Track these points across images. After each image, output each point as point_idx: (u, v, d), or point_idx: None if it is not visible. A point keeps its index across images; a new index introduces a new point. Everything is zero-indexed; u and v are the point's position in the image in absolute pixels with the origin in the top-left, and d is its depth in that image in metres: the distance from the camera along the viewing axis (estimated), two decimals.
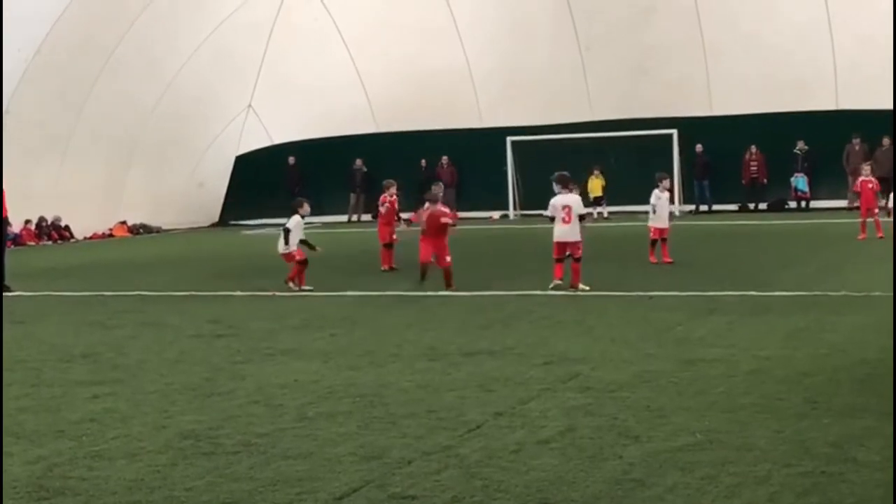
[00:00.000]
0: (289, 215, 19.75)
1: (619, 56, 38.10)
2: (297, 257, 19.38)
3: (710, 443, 8.06)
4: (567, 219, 17.79)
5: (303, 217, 20.03)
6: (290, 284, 19.12)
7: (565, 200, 17.99)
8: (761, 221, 34.14)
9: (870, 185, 26.17)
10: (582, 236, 17.97)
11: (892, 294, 14.89)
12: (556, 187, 18.36)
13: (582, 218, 18.07)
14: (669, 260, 21.41)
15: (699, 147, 38.65)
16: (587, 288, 17.44)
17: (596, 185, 38.10)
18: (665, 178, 22.64)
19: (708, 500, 6.75)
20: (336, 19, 39.69)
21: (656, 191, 22.21)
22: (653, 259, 21.56)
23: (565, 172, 18.84)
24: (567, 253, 17.79)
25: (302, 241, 19.53)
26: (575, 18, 38.15)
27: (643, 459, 7.68)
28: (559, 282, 17.71)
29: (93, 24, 33.46)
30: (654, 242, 21.83)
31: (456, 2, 38.72)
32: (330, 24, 39.74)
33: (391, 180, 23.79)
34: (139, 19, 34.89)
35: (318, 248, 19.92)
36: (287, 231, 19.44)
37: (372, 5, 39.14)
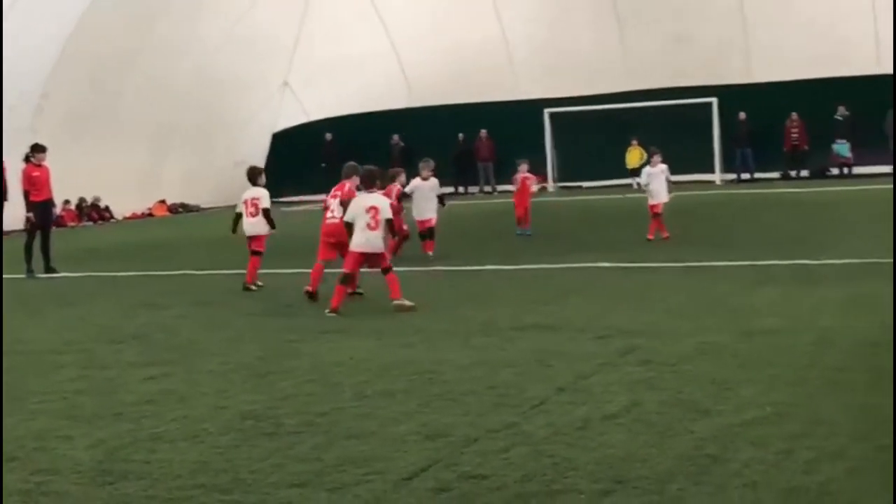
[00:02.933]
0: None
1: (657, 25, 37.77)
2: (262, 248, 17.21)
3: (779, 416, 7.90)
4: (373, 224, 14.19)
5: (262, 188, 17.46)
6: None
7: (371, 201, 14.42)
8: (804, 189, 33.79)
9: None
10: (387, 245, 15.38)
11: None
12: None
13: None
14: (667, 235, 20.91)
15: (742, 115, 38.29)
16: (410, 303, 14.07)
17: (634, 157, 37.86)
18: (656, 154, 22.10)
19: (786, 475, 6.59)
20: None
21: (647, 168, 21.96)
22: (650, 235, 21.05)
23: (373, 167, 15.28)
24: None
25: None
26: None
27: (714, 434, 7.53)
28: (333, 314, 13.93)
29: (129, 3, 33.42)
30: (656, 216, 21.31)
31: None
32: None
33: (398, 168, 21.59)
34: (171, 2, 34.79)
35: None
36: (268, 210, 17.32)
37: None
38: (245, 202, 17.42)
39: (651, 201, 21.35)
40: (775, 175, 38.66)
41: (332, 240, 15.46)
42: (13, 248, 22.22)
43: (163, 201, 39.28)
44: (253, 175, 17.67)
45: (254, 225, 17.33)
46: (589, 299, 14.10)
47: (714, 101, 37.85)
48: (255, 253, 17.23)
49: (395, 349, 11.35)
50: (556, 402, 8.72)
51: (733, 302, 13.31)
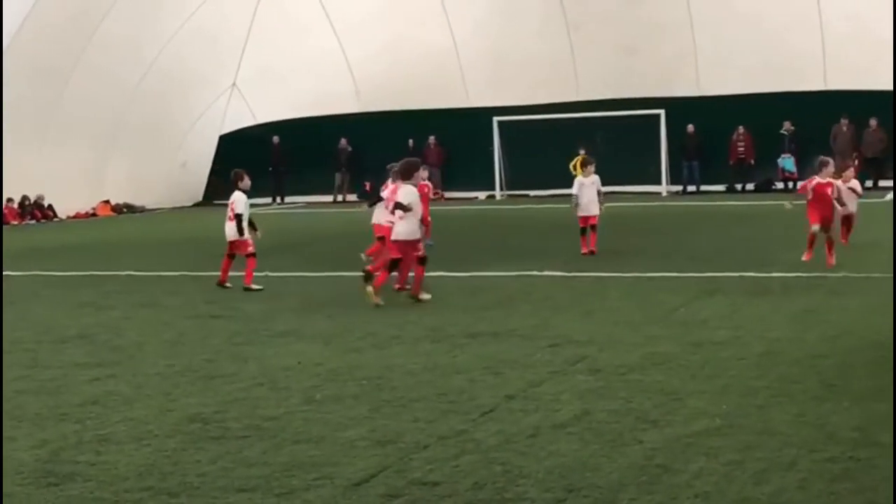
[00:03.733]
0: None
1: (607, 36, 37.91)
2: (250, 248, 16.92)
3: (730, 427, 7.93)
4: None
5: (245, 192, 17.16)
6: (253, 286, 16.54)
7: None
8: (750, 202, 34.06)
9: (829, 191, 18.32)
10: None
11: (892, 276, 14.81)
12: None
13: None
14: (595, 250, 20.07)
15: (691, 128, 38.57)
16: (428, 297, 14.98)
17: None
18: (590, 164, 20.91)
19: (737, 486, 6.61)
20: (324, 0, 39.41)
21: (579, 178, 20.77)
22: (584, 249, 20.13)
23: (412, 159, 16.34)
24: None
25: (249, 224, 17.05)
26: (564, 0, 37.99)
27: (664, 444, 7.54)
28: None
29: (72, 6, 33.05)
30: (583, 231, 20.40)
31: None
32: (316, 2, 39.39)
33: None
34: (118, 2, 34.46)
35: (258, 231, 17.37)
36: (240, 216, 16.86)
37: None
38: (229, 206, 17.22)
39: (580, 213, 20.44)
40: (721, 188, 38.95)
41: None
42: None
43: (107, 201, 38.88)
44: (234, 179, 17.30)
45: (229, 229, 17.15)
46: (537, 308, 14.09)
47: (662, 113, 38.07)
48: (230, 256, 17.10)
49: (343, 354, 11.29)
50: (506, 409, 8.70)
51: (681, 313, 13.36)
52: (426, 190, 20.86)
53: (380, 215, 17.56)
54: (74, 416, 8.85)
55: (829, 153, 36.69)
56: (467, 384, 9.63)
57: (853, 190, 20.22)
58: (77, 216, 37.46)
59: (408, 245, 15.06)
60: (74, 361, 11.27)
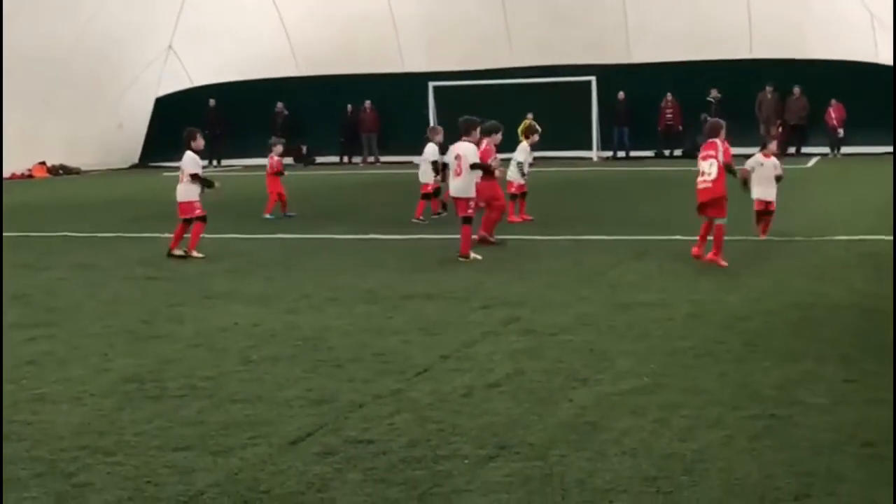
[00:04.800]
0: (209, 158, 16.47)
1: (541, 2, 37.85)
2: (198, 212, 15.87)
3: (657, 386, 8.01)
4: (458, 170, 15.18)
5: (197, 152, 16.16)
6: (177, 252, 15.72)
7: (457, 149, 15.33)
8: (677, 168, 34.25)
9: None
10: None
11: (822, 239, 15.02)
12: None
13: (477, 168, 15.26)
14: (529, 217, 19.60)
15: (621, 95, 38.70)
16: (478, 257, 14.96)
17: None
18: (534, 132, 20.09)
19: (663, 443, 6.69)
20: None
21: (524, 144, 20.10)
22: (513, 217, 19.34)
23: (470, 118, 16.00)
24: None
25: (202, 180, 15.98)
26: None
27: (594, 403, 7.61)
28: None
29: None
30: (523, 196, 19.90)
31: None
32: None
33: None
34: None
35: (217, 183, 16.54)
36: (196, 176, 15.85)
37: None
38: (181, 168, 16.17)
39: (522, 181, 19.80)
40: (650, 153, 39.17)
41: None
42: None
43: (43, 163, 38.31)
44: (186, 138, 16.08)
45: (179, 191, 16.00)
46: (470, 270, 14.11)
47: (593, 79, 38.15)
48: (185, 221, 15.84)
49: (280, 315, 11.24)
50: (440, 369, 8.73)
51: (612, 275, 13.45)
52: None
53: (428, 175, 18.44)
54: (10, 376, 8.73)
55: (755, 120, 37.33)
56: (402, 345, 9.64)
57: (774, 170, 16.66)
58: (13, 177, 36.85)
59: (457, 201, 15.19)
60: (10, 322, 11.10)
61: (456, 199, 15.29)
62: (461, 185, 15.12)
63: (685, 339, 9.65)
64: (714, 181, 13.61)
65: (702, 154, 13.96)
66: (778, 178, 16.41)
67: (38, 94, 36.32)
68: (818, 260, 14.18)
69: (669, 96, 38.55)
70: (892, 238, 14.97)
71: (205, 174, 16.31)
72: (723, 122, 14.41)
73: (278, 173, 21.74)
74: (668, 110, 38.76)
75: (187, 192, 15.90)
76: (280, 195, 21.50)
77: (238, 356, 9.34)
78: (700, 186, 13.80)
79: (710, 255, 13.71)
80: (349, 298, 12.11)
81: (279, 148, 22.29)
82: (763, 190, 16.32)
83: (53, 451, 6.80)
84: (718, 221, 13.74)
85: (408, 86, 39.74)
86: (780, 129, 37.72)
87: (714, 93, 38.04)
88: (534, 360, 8.94)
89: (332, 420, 7.33)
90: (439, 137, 20.32)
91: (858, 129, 36.14)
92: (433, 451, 6.64)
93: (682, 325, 10.25)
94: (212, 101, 41.60)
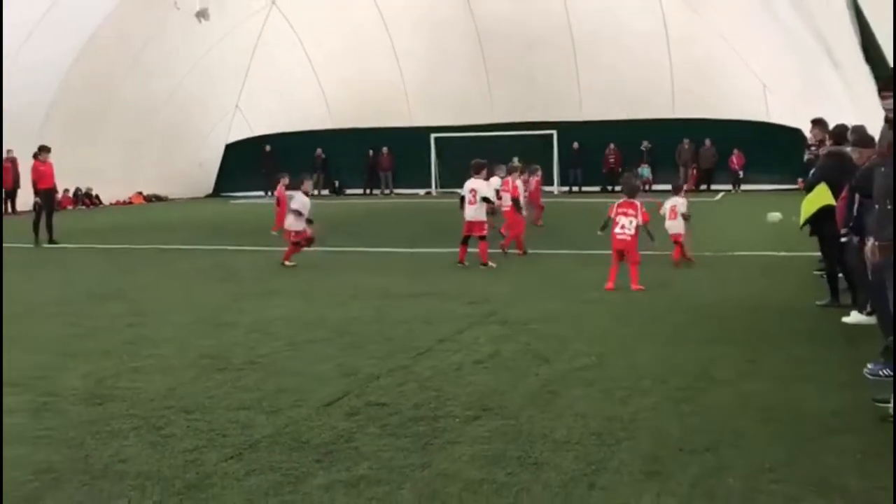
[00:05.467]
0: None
1: (514, 73, 37.82)
2: (307, 234, 15.52)
3: (602, 365, 7.98)
4: (472, 201, 14.97)
5: (307, 194, 15.74)
6: (288, 263, 15.28)
7: (471, 185, 15.15)
8: (616, 199, 34.13)
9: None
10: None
11: (728, 254, 14.94)
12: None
13: (485, 200, 15.00)
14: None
15: (576, 144, 38.66)
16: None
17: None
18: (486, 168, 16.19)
19: (607, 407, 6.66)
20: (303, 40, 38.87)
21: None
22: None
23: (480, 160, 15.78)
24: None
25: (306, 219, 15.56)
26: (483, 46, 37.84)
27: (555, 377, 7.57)
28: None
29: (122, 34, 32.36)
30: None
31: (395, 30, 38.12)
32: (298, 43, 38.93)
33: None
34: (160, 33, 33.81)
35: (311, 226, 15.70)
36: (299, 213, 15.40)
37: (331, 33, 38.37)
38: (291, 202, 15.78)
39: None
40: (597, 188, 39.10)
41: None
42: (25, 225, 21.42)
43: (140, 192, 38.20)
44: (297, 183, 15.63)
45: (292, 220, 15.60)
46: (461, 275, 14.04)
47: (554, 132, 38.12)
48: (295, 244, 15.42)
49: (316, 308, 11.18)
50: (438, 350, 8.68)
51: (566, 279, 13.40)
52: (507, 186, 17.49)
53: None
54: (114, 354, 8.70)
55: (675, 165, 37.34)
56: (408, 331, 9.60)
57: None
58: (117, 203, 36.75)
59: (472, 224, 14.86)
60: (113, 313, 11.07)
61: (471, 222, 15.02)
62: (475, 212, 14.93)
63: (626, 326, 9.62)
64: (632, 236, 12.56)
65: (621, 210, 12.83)
66: (685, 217, 15.02)
67: (137, 138, 36.23)
68: (724, 270, 14.14)
69: (612, 145, 38.47)
70: (780, 254, 14.92)
71: (308, 215, 15.58)
72: (640, 185, 13.98)
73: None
74: (611, 156, 38.65)
75: (295, 223, 15.52)
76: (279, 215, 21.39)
77: (285, 339, 9.30)
78: (619, 237, 12.63)
79: (633, 287, 12.31)
80: (367, 296, 12.06)
81: (286, 180, 21.91)
82: (673, 225, 15.25)
83: (146, 410, 6.77)
84: (634, 262, 12.55)
85: (415, 136, 39.67)
86: (695, 172, 37.81)
87: (646, 143, 38.04)
88: (509, 343, 8.90)
89: (356, 388, 7.29)
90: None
91: (754, 171, 36.19)
92: (433, 412, 6.61)
93: (622, 317, 10.21)
94: (267, 147, 41.45)
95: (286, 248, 15.55)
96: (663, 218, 15.17)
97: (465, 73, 38.41)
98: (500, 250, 16.42)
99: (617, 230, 12.71)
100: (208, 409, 6.75)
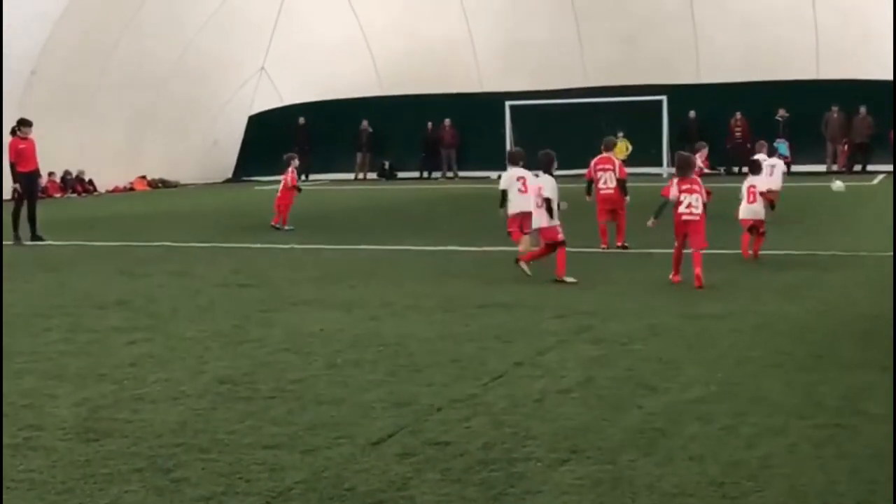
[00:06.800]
0: (299, 172, 16.24)
1: (612, 26, 37.71)
2: (559, 237, 14.05)
3: (724, 394, 7.94)
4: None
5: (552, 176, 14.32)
6: (524, 266, 14.29)
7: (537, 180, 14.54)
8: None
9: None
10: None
11: (879, 253, 14.76)
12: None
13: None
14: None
15: (692, 114, 38.38)
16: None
17: (620, 150, 37.68)
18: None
19: (729, 450, 6.62)
20: None
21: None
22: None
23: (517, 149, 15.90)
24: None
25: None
26: None
27: (662, 410, 7.55)
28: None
29: None
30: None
31: None
32: None
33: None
34: None
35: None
36: (549, 201, 13.95)
37: None
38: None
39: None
40: (719, 170, 38.72)
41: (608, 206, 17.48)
42: (2, 218, 21.93)
43: (143, 177, 38.92)
44: (545, 160, 14.30)
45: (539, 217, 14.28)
46: (544, 281, 13.99)
47: (664, 98, 37.90)
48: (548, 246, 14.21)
49: (363, 321, 11.30)
50: (514, 375, 8.72)
51: (681, 286, 13.31)
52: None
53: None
54: (113, 377, 8.89)
55: (821, 139, 36.90)
56: (478, 351, 9.64)
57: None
58: (115, 190, 37.53)
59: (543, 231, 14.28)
60: (112, 326, 11.31)
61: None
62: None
63: (753, 348, 9.55)
64: (701, 215, 13.56)
65: (685, 187, 13.55)
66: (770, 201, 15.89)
67: (139, 111, 36.92)
68: (880, 274, 13.92)
69: (739, 114, 38.14)
70: None
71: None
72: (695, 158, 14.96)
73: (294, 188, 22.39)
74: (738, 128, 38.33)
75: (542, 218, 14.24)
76: (283, 207, 22.04)
77: (324, 360, 9.41)
78: (685, 217, 13.47)
79: (696, 283, 13.03)
80: (428, 307, 12.14)
81: (296, 163, 22.78)
82: (752, 210, 15.71)
83: (153, 447, 6.90)
84: (700, 247, 13.47)
85: (485, 105, 39.76)
86: (847, 148, 37.25)
87: (782, 111, 37.65)
88: (604, 368, 8.88)
89: (411, 422, 7.35)
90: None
91: None
92: (508, 453, 6.64)
93: (749, 335, 10.12)
94: (301, 119, 41.98)
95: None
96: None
97: (549, 25, 38.42)
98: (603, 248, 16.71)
99: (682, 209, 13.54)
100: (228, 448, 6.86)
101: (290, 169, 22.46)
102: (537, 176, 14.51)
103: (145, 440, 7.08)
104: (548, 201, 13.98)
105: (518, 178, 15.39)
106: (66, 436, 7.21)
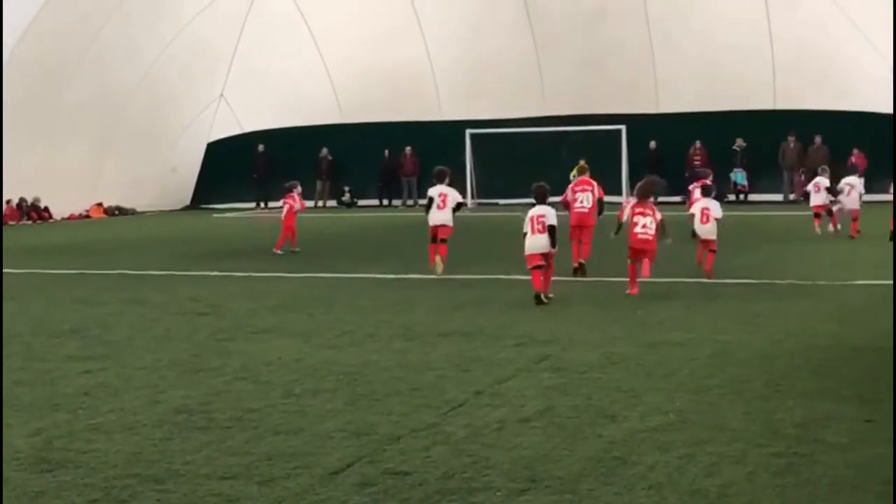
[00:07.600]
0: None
1: (572, 55, 37.94)
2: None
3: (683, 423, 7.97)
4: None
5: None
6: (546, 297, 14.52)
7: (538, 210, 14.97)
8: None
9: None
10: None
11: (837, 283, 14.90)
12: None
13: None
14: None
15: (652, 143, 38.64)
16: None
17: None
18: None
19: (688, 478, 6.65)
20: (305, 14, 39.26)
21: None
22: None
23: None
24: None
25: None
26: (531, 18, 38.00)
27: (622, 438, 7.57)
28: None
29: (76, 11, 32.87)
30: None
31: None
32: (299, 18, 39.32)
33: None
34: (120, 9, 34.33)
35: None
36: (553, 228, 14.65)
37: (338, 3, 38.72)
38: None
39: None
40: (678, 199, 38.98)
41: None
42: None
43: (100, 204, 38.66)
44: (538, 192, 15.19)
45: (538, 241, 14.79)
46: (503, 308, 14.06)
47: (623, 128, 38.13)
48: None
49: (321, 350, 11.27)
50: (474, 404, 8.71)
51: (640, 315, 13.34)
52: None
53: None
54: (67, 407, 8.81)
55: (778, 168, 37.28)
56: (438, 380, 9.64)
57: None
58: (71, 217, 37.22)
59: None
60: (67, 354, 11.22)
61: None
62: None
63: (711, 377, 9.59)
64: (653, 235, 15.22)
65: (639, 210, 15.27)
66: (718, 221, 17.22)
67: (97, 137, 36.70)
68: (838, 303, 14.06)
69: (698, 143, 38.40)
70: None
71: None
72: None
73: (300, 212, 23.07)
74: (696, 157, 38.55)
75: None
76: (292, 231, 22.50)
77: (282, 389, 9.37)
78: (641, 237, 15.15)
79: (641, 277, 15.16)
80: (388, 335, 12.12)
81: (299, 189, 23.46)
82: (706, 230, 17.25)
83: (107, 478, 6.84)
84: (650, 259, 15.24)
85: (446, 133, 39.79)
86: (803, 177, 37.61)
87: (739, 141, 38.02)
88: (564, 396, 8.90)
89: (370, 452, 7.33)
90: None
91: (879, 176, 35.67)
92: (467, 483, 6.63)
93: (707, 364, 10.17)
94: (260, 147, 41.87)
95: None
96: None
97: (509, 54, 38.62)
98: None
99: (638, 230, 15.11)
100: (184, 479, 6.80)
101: (294, 194, 23.00)
102: (533, 206, 15.00)
103: (100, 471, 7.01)
104: (552, 229, 14.60)
105: (439, 195, 17.70)
106: (20, 466, 7.14)
